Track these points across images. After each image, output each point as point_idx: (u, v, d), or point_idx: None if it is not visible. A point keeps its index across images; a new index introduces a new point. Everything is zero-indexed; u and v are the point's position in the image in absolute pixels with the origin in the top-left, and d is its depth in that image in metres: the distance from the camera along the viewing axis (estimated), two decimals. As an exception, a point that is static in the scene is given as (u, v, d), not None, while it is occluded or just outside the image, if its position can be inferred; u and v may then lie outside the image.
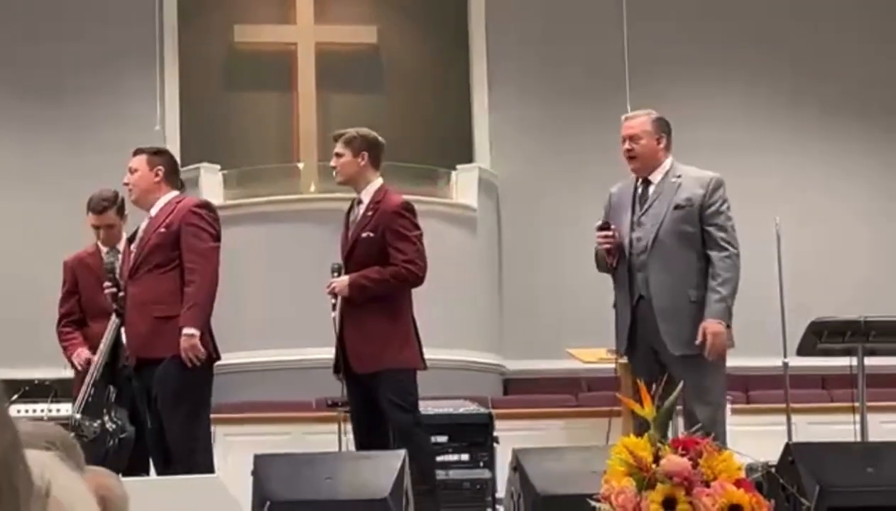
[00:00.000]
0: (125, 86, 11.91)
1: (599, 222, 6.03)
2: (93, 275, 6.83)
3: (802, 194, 12.17)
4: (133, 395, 6.34)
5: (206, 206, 6.46)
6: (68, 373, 7.01)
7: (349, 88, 12.37)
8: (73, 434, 2.48)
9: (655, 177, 5.98)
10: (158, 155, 6.47)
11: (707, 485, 4.05)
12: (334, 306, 6.32)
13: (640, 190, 6.02)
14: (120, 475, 3.17)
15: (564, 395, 10.48)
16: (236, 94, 12.44)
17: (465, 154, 12.26)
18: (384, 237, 6.25)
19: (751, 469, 5.73)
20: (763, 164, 12.25)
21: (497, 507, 7.62)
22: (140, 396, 6.21)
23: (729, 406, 9.22)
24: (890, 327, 7.30)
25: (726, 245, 5.87)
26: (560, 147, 11.97)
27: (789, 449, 5.52)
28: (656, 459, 4.07)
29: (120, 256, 6.64)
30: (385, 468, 5.45)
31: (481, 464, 7.74)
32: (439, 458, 7.67)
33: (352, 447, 7.28)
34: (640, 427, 4.42)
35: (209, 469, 6.00)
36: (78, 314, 6.89)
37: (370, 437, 6.22)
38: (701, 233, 5.88)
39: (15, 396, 7.71)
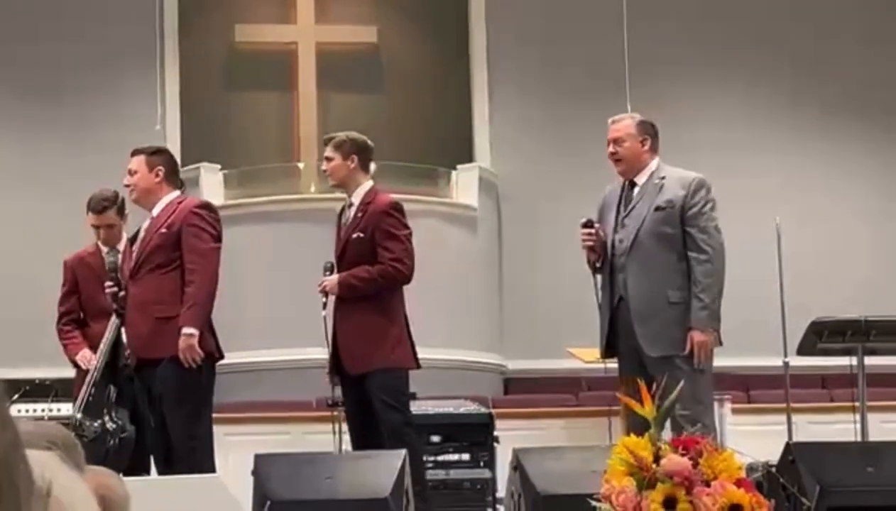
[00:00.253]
0: (125, 85, 11.91)
1: (583, 220, 6.06)
2: (93, 275, 6.83)
3: (802, 194, 12.17)
4: (133, 394, 6.35)
5: (208, 206, 6.47)
6: (69, 372, 7.01)
7: (349, 88, 12.37)
8: (73, 434, 2.48)
9: (640, 178, 6.02)
10: (157, 155, 6.47)
11: (707, 484, 4.05)
12: (325, 305, 6.38)
13: (626, 191, 6.05)
14: (121, 475, 3.17)
15: (565, 394, 10.48)
16: (237, 93, 12.44)
17: (466, 154, 12.26)
18: (374, 237, 6.30)
19: (751, 469, 5.73)
20: (763, 164, 12.25)
21: (497, 506, 7.62)
22: (141, 396, 6.21)
23: (729, 405, 9.25)
24: (890, 327, 7.30)
25: (706, 247, 5.86)
26: (560, 146, 11.97)
27: (790, 448, 5.52)
28: (657, 459, 4.07)
29: (120, 256, 6.64)
30: (385, 468, 5.45)
31: (482, 463, 7.74)
32: (440, 458, 7.68)
33: (346, 447, 7.31)
34: (636, 426, 4.42)
35: (211, 469, 6.00)
36: (78, 313, 6.89)
37: (366, 436, 6.24)
38: (682, 234, 5.88)
39: (16, 396, 7.71)
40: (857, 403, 7.31)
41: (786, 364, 8.26)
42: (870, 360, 7.28)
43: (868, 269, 12.08)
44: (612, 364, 6.96)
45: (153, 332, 6.11)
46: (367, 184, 6.50)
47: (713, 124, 12.32)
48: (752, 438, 8.18)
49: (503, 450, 7.36)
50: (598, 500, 4.11)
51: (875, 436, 7.70)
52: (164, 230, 6.21)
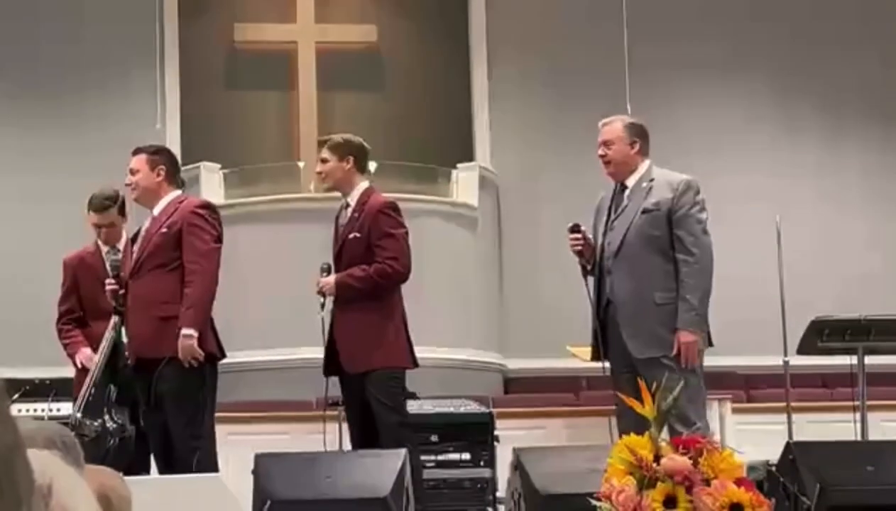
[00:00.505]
0: (126, 85, 11.91)
1: (570, 224, 6.08)
2: (93, 274, 6.83)
3: (802, 194, 12.18)
4: (134, 394, 6.34)
5: (208, 206, 6.47)
6: (69, 372, 7.01)
7: (350, 87, 12.37)
8: (73, 433, 2.48)
9: (630, 181, 6.05)
10: (158, 154, 6.47)
11: (708, 483, 4.05)
12: (322, 306, 6.39)
13: (616, 194, 6.08)
14: (121, 474, 3.17)
15: (565, 393, 10.48)
16: (237, 92, 12.44)
17: (466, 153, 12.26)
18: (370, 236, 6.31)
19: (751, 468, 5.74)
20: (763, 163, 12.27)
21: (498, 506, 7.62)
22: (142, 396, 6.21)
23: (729, 405, 9.26)
24: (890, 326, 7.31)
25: (693, 249, 5.86)
26: (560, 145, 11.97)
27: (790, 448, 5.53)
28: (657, 458, 4.07)
29: (121, 256, 6.64)
30: (385, 467, 5.45)
31: (482, 463, 7.74)
32: (440, 457, 7.68)
33: (338, 447, 7.31)
34: (630, 427, 4.43)
35: (212, 468, 6.00)
36: (78, 312, 6.89)
37: (366, 436, 6.25)
38: (670, 236, 5.89)
39: (16, 395, 7.71)
40: (857, 403, 7.31)
41: (786, 363, 8.26)
42: (870, 359, 7.29)
43: (865, 268, 12.09)
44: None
45: (154, 331, 6.11)
46: (364, 184, 6.51)
47: (713, 124, 12.34)
48: (752, 438, 8.20)
49: (503, 449, 7.35)
50: (599, 500, 4.11)
51: (875, 435, 7.70)
52: (164, 230, 6.21)
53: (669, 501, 4.03)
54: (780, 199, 11.22)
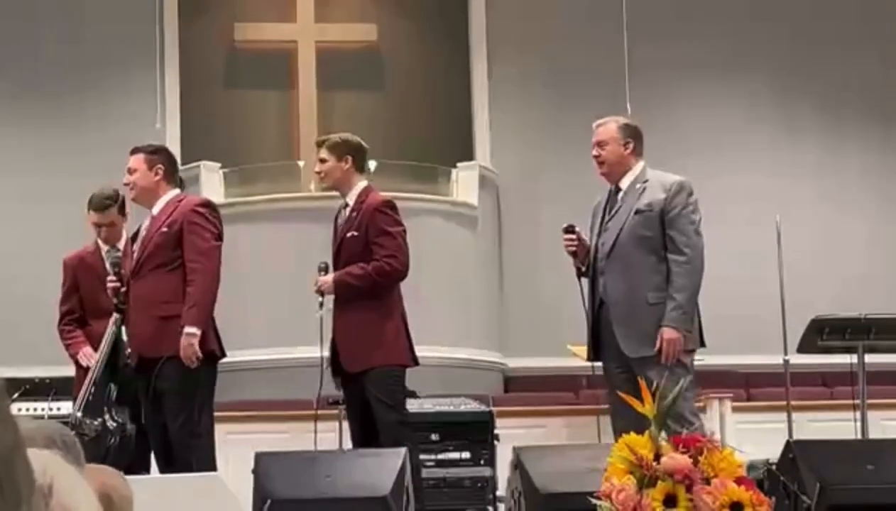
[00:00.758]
0: (126, 84, 11.92)
1: (565, 225, 6.10)
2: (93, 274, 6.83)
3: (802, 194, 12.19)
4: (134, 393, 6.34)
5: (208, 205, 6.46)
6: (69, 371, 7.01)
7: (350, 86, 12.37)
8: (73, 432, 2.48)
9: (624, 182, 6.07)
10: (157, 153, 6.46)
11: (708, 482, 4.05)
12: (321, 305, 6.39)
13: (611, 196, 6.11)
14: (121, 473, 3.17)
15: (565, 392, 10.49)
16: (237, 92, 12.44)
17: (466, 152, 12.26)
18: (367, 235, 6.31)
19: (751, 466, 5.74)
20: (763, 163, 12.27)
21: (498, 504, 7.63)
22: (143, 395, 6.21)
23: (729, 404, 9.26)
24: (890, 325, 7.31)
25: (685, 248, 5.89)
26: (560, 144, 11.97)
27: (790, 446, 5.53)
28: (657, 457, 4.07)
29: (121, 254, 6.63)
30: (385, 466, 5.45)
31: (482, 461, 7.74)
32: (440, 456, 7.68)
33: (338, 446, 7.31)
34: (626, 428, 4.43)
35: (212, 467, 6.00)
36: (79, 312, 6.89)
37: (366, 435, 6.25)
38: (662, 236, 5.91)
39: (16, 394, 7.71)
40: (857, 401, 7.31)
41: (786, 362, 8.26)
42: (870, 358, 7.29)
43: (865, 268, 12.09)
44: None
45: (155, 331, 6.11)
46: (362, 184, 6.51)
47: (713, 124, 12.34)
48: (752, 436, 8.20)
49: (503, 448, 7.36)
50: (599, 498, 4.11)
51: (875, 433, 7.71)
52: (164, 229, 6.21)
53: (669, 500, 4.03)
54: (780, 199, 11.22)
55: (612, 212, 6.06)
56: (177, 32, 12.16)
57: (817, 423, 9.09)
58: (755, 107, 12.47)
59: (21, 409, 7.63)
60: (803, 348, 7.43)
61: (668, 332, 5.80)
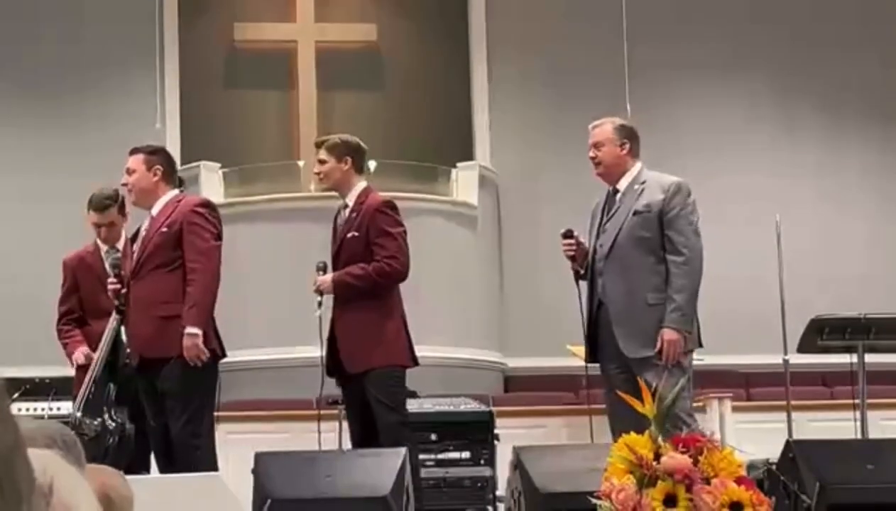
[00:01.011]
0: (126, 84, 11.92)
1: (563, 230, 6.12)
2: (93, 274, 6.83)
3: (802, 194, 12.19)
4: (133, 392, 6.34)
5: (208, 204, 6.45)
6: (69, 371, 7.01)
7: (349, 86, 12.38)
8: (73, 432, 2.47)
9: (622, 184, 6.09)
10: (155, 154, 6.46)
11: (708, 482, 4.05)
12: (319, 304, 6.39)
13: (609, 198, 6.13)
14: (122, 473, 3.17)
15: (565, 392, 10.49)
16: (237, 92, 12.44)
17: (466, 152, 12.26)
18: (368, 235, 6.30)
19: (751, 466, 5.74)
20: (763, 163, 12.27)
21: (498, 504, 7.63)
22: (144, 395, 6.21)
23: (729, 403, 9.27)
24: (890, 324, 7.31)
25: (683, 249, 5.90)
26: (560, 145, 11.97)
27: (790, 446, 5.53)
28: (657, 457, 4.07)
29: (120, 255, 6.63)
30: (385, 466, 5.45)
31: (482, 461, 7.74)
32: (440, 456, 7.68)
33: (336, 445, 7.31)
34: (624, 428, 4.43)
35: (212, 467, 6.00)
36: (78, 312, 6.89)
37: (366, 435, 6.24)
38: (661, 237, 5.92)
39: (16, 394, 7.71)
40: (857, 401, 7.31)
41: (786, 361, 8.27)
42: (870, 358, 7.29)
43: (865, 268, 12.10)
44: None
45: (157, 331, 6.11)
46: (361, 184, 6.50)
47: (713, 124, 12.35)
48: (752, 436, 8.21)
49: (503, 448, 7.36)
50: (599, 498, 4.11)
51: (875, 433, 7.71)
52: (164, 229, 6.20)
53: (669, 500, 4.03)
54: (780, 199, 11.22)
55: (611, 213, 6.07)
56: (177, 32, 12.16)
57: (817, 423, 9.09)
58: (755, 107, 12.47)
59: (21, 409, 7.63)
60: (803, 348, 7.43)
61: (668, 334, 5.81)
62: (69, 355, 6.82)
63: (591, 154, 6.14)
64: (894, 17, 12.64)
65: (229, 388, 8.62)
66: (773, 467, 5.50)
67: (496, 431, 7.83)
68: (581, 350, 6.99)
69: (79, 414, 6.42)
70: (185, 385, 6.03)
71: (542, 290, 11.67)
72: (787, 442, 5.64)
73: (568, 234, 6.11)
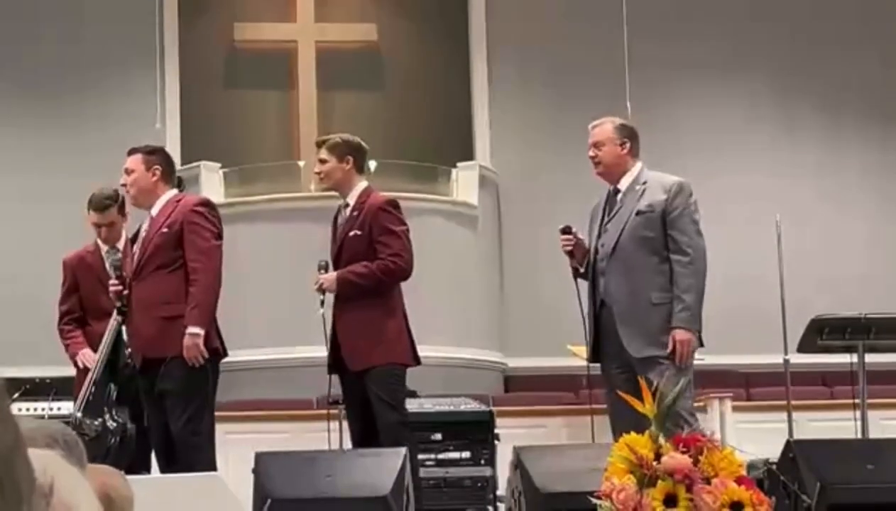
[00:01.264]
0: (126, 84, 11.92)
1: (562, 226, 6.12)
2: (93, 274, 6.83)
3: (802, 194, 12.19)
4: (134, 393, 6.34)
5: (208, 204, 6.45)
6: (69, 371, 7.01)
7: (350, 86, 12.38)
8: (74, 432, 2.47)
9: (623, 183, 6.09)
10: (154, 154, 6.45)
11: (708, 482, 4.05)
12: (322, 303, 6.38)
13: (610, 197, 6.13)
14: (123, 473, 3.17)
15: (565, 392, 10.49)
16: (237, 92, 12.44)
17: (466, 151, 12.26)
18: (371, 233, 6.29)
19: (752, 466, 5.74)
20: (763, 163, 12.27)
21: (498, 504, 7.62)
22: (145, 395, 6.20)
23: (730, 403, 9.27)
24: (890, 324, 7.31)
25: (687, 249, 5.91)
26: (560, 145, 11.97)
27: (790, 446, 5.53)
28: (657, 456, 4.07)
29: (121, 255, 6.63)
30: (386, 466, 5.45)
31: (482, 461, 7.74)
32: (440, 456, 7.68)
33: (338, 445, 7.30)
34: (624, 428, 4.43)
35: (212, 467, 6.00)
36: (79, 312, 6.88)
37: (367, 434, 6.24)
38: (664, 237, 5.93)
39: (16, 394, 7.71)
40: (857, 401, 7.31)
41: (786, 361, 8.27)
42: (870, 358, 7.28)
43: (865, 268, 12.10)
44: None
45: (158, 332, 6.10)
46: (362, 184, 6.49)
47: (713, 124, 12.35)
48: (752, 436, 8.21)
49: (504, 447, 7.36)
50: (599, 498, 4.11)
51: (875, 433, 7.71)
52: (164, 230, 6.20)
53: (669, 500, 4.03)
54: (780, 199, 11.22)
55: (612, 213, 6.07)
56: (177, 32, 12.16)
57: (817, 423, 9.09)
58: (755, 107, 12.47)
59: (21, 409, 7.62)
60: (803, 348, 7.44)
61: (680, 334, 5.80)
62: (72, 357, 6.81)
63: (591, 153, 6.14)
64: (894, 16, 12.65)
65: (229, 388, 8.63)
66: (774, 467, 5.50)
67: (496, 431, 7.83)
68: (581, 350, 7.01)
69: (79, 414, 6.42)
70: (187, 385, 6.03)
71: (543, 289, 11.67)
72: (788, 442, 5.64)
73: (566, 230, 6.11)
